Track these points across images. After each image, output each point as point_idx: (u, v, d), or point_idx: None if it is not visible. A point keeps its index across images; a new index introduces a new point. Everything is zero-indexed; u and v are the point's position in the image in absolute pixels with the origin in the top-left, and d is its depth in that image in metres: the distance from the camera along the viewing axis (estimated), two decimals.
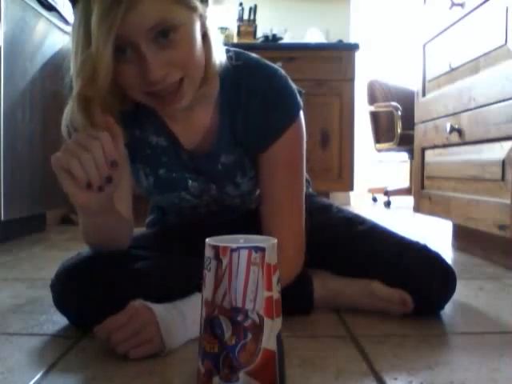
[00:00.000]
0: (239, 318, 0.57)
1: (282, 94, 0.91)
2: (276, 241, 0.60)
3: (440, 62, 1.78)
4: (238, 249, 0.56)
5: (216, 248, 0.57)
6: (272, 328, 0.58)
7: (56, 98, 2.02)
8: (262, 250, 0.57)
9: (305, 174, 0.98)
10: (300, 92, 0.94)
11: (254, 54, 0.94)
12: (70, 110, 0.79)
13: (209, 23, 0.81)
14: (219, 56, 0.85)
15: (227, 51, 0.90)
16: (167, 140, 0.93)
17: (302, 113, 0.93)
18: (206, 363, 0.59)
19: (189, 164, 0.95)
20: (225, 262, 0.56)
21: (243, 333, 0.57)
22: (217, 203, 1.02)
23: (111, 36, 0.69)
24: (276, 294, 0.60)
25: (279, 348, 0.60)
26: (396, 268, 0.96)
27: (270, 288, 0.58)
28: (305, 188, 0.97)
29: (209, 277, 0.58)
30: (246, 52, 0.94)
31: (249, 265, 0.56)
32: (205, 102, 0.91)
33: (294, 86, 0.93)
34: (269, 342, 0.58)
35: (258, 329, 0.57)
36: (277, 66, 0.94)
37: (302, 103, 0.93)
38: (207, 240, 0.59)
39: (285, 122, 0.91)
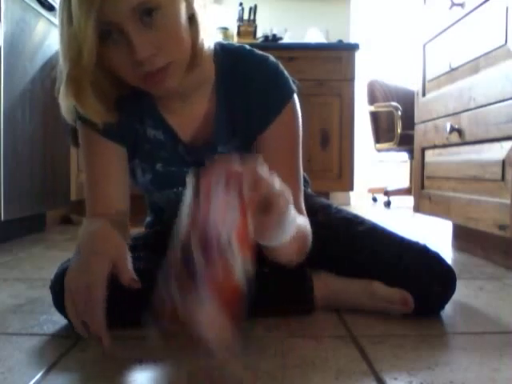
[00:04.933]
0: (213, 246, 0.57)
1: (276, 77, 0.93)
2: None
3: (440, 62, 1.78)
4: (217, 176, 0.57)
5: (197, 175, 0.57)
6: (243, 262, 0.58)
7: (56, 98, 2.01)
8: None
9: (301, 166, 0.99)
10: (293, 82, 0.96)
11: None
12: (62, 94, 0.80)
13: (196, 6, 0.81)
14: (207, 39, 0.85)
15: (219, 43, 0.92)
16: (165, 133, 0.94)
17: (296, 96, 0.95)
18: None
19: (186, 157, 0.95)
20: (203, 189, 0.57)
21: (215, 261, 0.57)
22: None
23: (91, 14, 0.70)
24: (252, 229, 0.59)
25: (248, 287, 0.59)
26: (396, 268, 0.96)
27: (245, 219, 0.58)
28: (302, 171, 0.97)
29: (186, 204, 0.58)
30: (234, 43, 0.97)
31: (227, 192, 0.57)
32: (201, 90, 0.92)
33: (285, 71, 0.95)
34: (238, 274, 0.58)
35: (229, 260, 0.57)
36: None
37: (295, 87, 0.95)
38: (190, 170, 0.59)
39: (281, 99, 0.93)
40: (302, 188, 0.96)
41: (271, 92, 0.92)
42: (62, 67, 0.78)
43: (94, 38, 0.73)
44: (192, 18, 0.81)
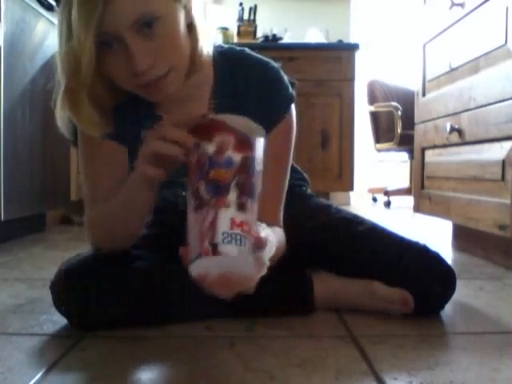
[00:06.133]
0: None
1: (276, 86, 0.93)
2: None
3: (440, 62, 1.78)
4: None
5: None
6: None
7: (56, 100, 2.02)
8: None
9: (296, 168, 0.99)
10: (292, 83, 0.96)
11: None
12: (60, 105, 0.80)
13: (194, 13, 0.82)
14: (206, 45, 0.86)
15: (219, 47, 0.92)
16: None
17: (293, 105, 0.95)
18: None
19: None
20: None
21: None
22: None
23: (91, 26, 0.71)
24: None
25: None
26: (396, 268, 0.96)
27: None
28: (287, 184, 0.97)
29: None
30: (235, 46, 0.97)
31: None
32: (200, 92, 0.92)
33: (285, 77, 0.95)
34: None
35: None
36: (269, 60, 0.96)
37: (294, 94, 0.95)
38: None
39: (281, 107, 0.93)
40: (284, 199, 0.95)
41: (271, 99, 0.92)
42: (60, 79, 0.78)
43: (92, 51, 0.73)
44: (191, 26, 0.82)
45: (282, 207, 0.96)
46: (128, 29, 0.72)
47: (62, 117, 0.84)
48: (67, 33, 0.74)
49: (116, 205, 0.85)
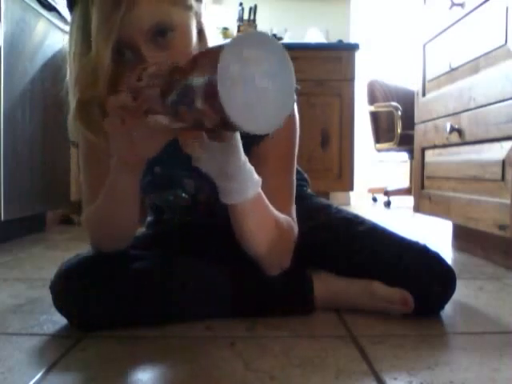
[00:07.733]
0: None
1: None
2: None
3: (440, 62, 1.78)
4: None
5: None
6: None
7: (56, 99, 2.02)
8: None
9: (296, 168, 0.99)
10: (295, 88, 0.95)
11: None
12: (72, 119, 0.80)
13: (204, 20, 0.82)
14: None
15: None
16: None
17: (296, 107, 0.95)
18: None
19: (184, 160, 0.95)
20: None
21: None
22: (214, 203, 1.01)
23: (111, 39, 0.70)
24: None
25: None
26: (396, 268, 0.96)
27: None
28: (295, 181, 0.97)
29: None
30: None
31: None
32: None
33: None
34: None
35: None
36: None
37: (295, 97, 0.94)
38: None
39: None
40: (294, 199, 0.96)
41: None
42: (72, 89, 0.77)
43: (110, 62, 0.72)
44: (200, 33, 0.82)
45: (293, 206, 0.96)
46: (143, 37, 0.73)
47: (74, 128, 0.83)
48: (84, 43, 0.73)
49: (104, 197, 0.84)
